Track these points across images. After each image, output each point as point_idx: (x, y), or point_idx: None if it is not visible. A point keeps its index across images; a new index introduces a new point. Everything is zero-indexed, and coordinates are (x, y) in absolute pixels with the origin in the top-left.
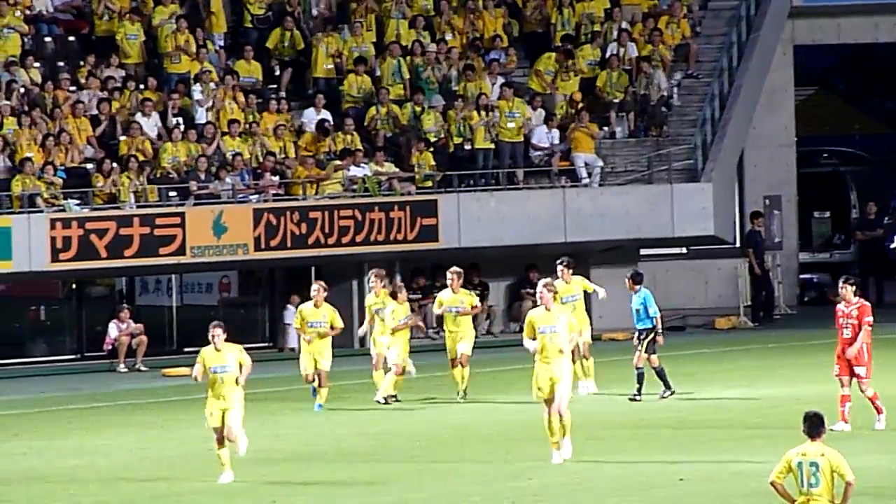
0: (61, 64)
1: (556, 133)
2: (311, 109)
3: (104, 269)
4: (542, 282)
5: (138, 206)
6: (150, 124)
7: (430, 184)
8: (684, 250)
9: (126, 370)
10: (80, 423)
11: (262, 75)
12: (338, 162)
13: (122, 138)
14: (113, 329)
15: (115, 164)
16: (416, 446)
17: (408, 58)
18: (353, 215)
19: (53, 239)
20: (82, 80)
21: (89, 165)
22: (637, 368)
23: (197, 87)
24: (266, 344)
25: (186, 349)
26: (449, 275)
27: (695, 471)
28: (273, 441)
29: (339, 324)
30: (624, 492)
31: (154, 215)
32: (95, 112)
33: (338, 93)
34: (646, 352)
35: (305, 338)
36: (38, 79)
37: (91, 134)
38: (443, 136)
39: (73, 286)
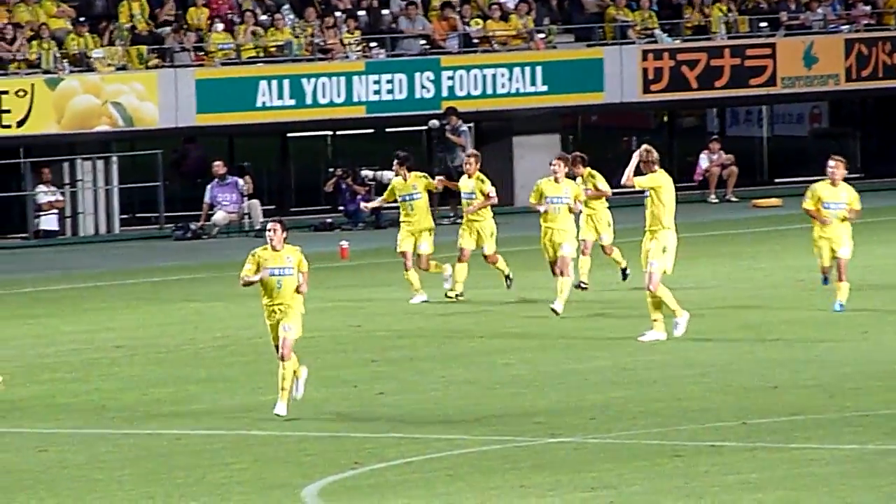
0: None
1: None
2: None
3: (694, 100)
4: None
5: (729, 37)
6: None
7: None
8: None
9: (716, 201)
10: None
11: None
12: None
13: None
14: (703, 160)
15: None
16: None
17: None
18: None
19: (645, 70)
20: None
21: None
22: None
23: None
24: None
25: (776, 180)
26: None
27: None
28: None
29: None
30: None
31: (744, 46)
32: None
33: None
34: None
35: None
36: None
37: None
38: None
39: (665, 117)
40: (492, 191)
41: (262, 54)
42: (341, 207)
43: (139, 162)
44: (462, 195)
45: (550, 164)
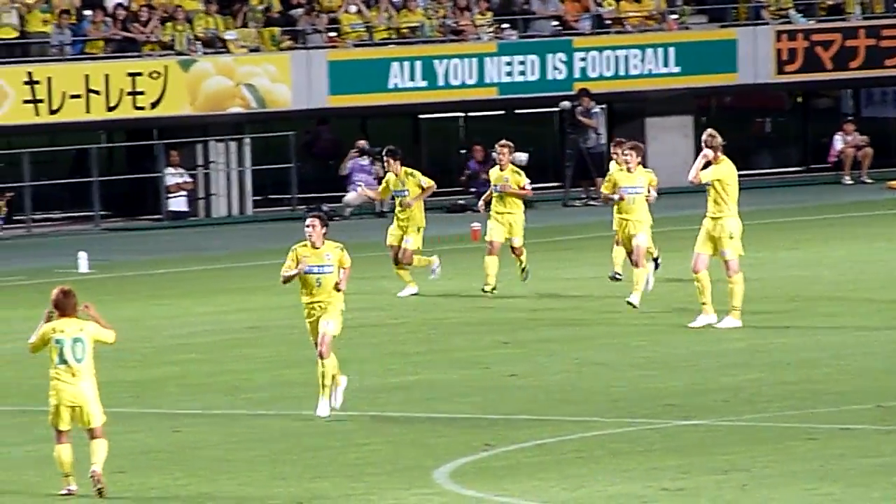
0: None
1: None
2: None
3: (829, 80)
4: None
5: (864, 17)
6: None
7: None
8: None
9: (851, 182)
10: (805, 235)
11: None
12: None
13: None
14: (838, 141)
15: None
16: None
17: None
18: None
19: (779, 51)
20: None
21: None
22: None
23: None
24: None
25: None
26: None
27: None
28: None
29: None
30: None
31: (880, 26)
32: None
33: None
34: None
35: None
36: None
37: None
38: None
39: (799, 98)
40: (527, 183)
41: (394, 36)
42: (472, 189)
43: (272, 143)
44: (493, 187)
45: (623, 154)
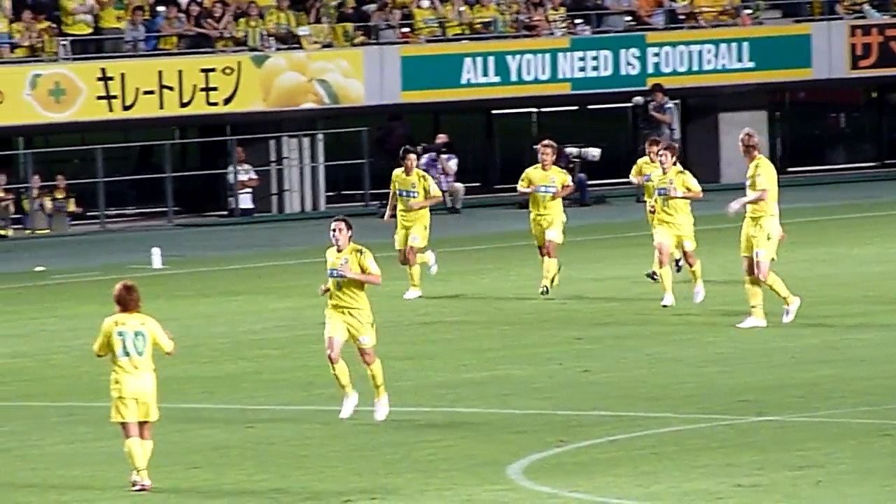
0: None
1: None
2: None
3: None
4: None
5: None
6: None
7: None
8: None
9: None
10: (879, 231)
11: None
12: None
13: None
14: None
15: None
16: None
17: None
18: None
19: (853, 46)
20: None
21: None
22: None
23: None
24: None
25: None
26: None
27: None
28: None
29: None
30: None
31: None
32: None
33: None
34: None
35: None
36: None
37: None
38: None
39: (874, 93)
40: (569, 178)
41: (467, 31)
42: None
43: (344, 139)
44: (538, 189)
45: (657, 154)
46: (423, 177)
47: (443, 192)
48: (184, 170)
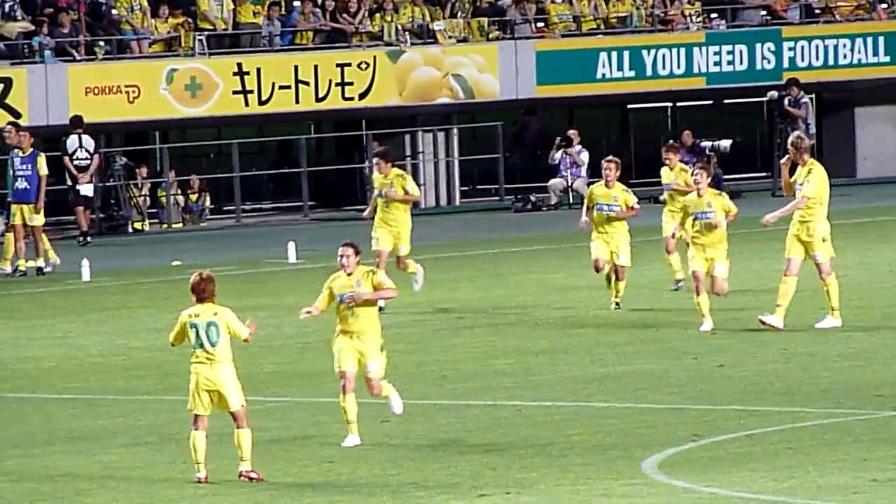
0: None
1: None
2: None
3: None
4: None
5: None
6: None
7: None
8: None
9: None
10: None
11: None
12: None
13: None
14: None
15: None
16: None
17: None
18: None
19: None
20: None
21: None
22: None
23: None
24: None
25: None
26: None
27: None
28: None
29: None
30: None
31: None
32: None
33: None
34: None
35: None
36: None
37: None
38: None
39: None
40: (636, 202)
41: (602, 26)
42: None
43: (479, 134)
44: (599, 206)
45: (692, 174)
46: (402, 176)
47: (569, 186)
48: (319, 164)
